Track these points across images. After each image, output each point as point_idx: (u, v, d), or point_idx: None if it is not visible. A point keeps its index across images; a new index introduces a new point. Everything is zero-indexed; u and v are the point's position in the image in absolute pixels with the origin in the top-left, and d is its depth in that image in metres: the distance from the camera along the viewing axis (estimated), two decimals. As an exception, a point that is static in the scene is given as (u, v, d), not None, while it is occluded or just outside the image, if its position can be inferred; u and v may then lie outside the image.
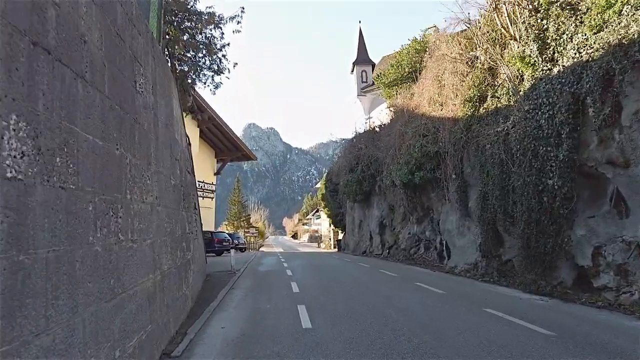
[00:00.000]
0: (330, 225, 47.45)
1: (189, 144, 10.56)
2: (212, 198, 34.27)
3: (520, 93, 10.07)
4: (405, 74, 22.10)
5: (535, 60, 9.37)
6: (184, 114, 9.39)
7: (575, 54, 8.29)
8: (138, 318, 4.02)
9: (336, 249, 34.47)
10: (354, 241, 26.58)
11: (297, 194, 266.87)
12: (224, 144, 33.89)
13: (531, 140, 9.04)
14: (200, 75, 8.52)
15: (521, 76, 10.29)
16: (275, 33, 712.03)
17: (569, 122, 8.16)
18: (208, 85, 8.81)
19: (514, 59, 10.02)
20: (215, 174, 35.12)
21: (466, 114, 12.19)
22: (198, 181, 32.35)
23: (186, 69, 8.18)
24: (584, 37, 8.16)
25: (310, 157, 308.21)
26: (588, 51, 7.94)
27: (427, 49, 20.73)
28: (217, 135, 33.17)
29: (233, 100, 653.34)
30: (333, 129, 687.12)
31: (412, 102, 17.01)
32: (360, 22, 34.20)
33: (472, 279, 11.50)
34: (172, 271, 5.89)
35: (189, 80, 8.38)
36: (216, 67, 8.51)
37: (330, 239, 37.48)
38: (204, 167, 34.13)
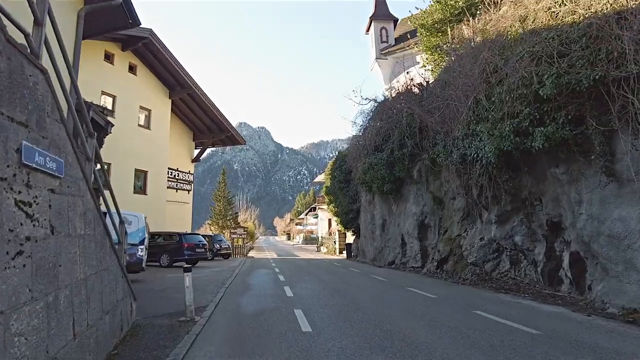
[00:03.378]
0: (330, 226, 40.73)
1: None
2: (188, 191, 27.25)
3: None
4: (457, 11, 15.57)
5: None
6: None
7: None
8: None
9: (344, 255, 27.74)
10: (375, 247, 19.89)
11: (288, 193, 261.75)
12: (205, 123, 26.91)
13: None
14: None
15: None
16: (271, 32, 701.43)
17: None
18: None
19: None
20: (193, 161, 28.14)
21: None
22: (170, 169, 25.35)
23: None
24: None
25: (302, 157, 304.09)
26: None
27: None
28: (195, 112, 26.13)
29: (224, 99, 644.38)
30: (329, 128, 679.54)
31: (498, 24, 10.43)
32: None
33: None
34: None
35: None
36: None
37: (334, 242, 30.74)
38: (179, 150, 27.04)
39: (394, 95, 16.68)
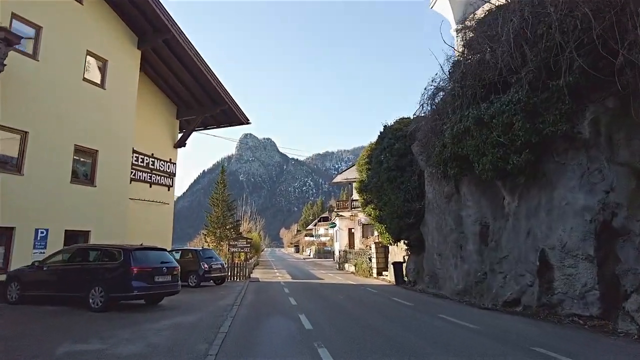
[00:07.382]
0: (352, 237, 32.68)
1: None
2: (169, 187, 19.44)
3: None
4: None
5: None
6: None
7: None
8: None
9: (387, 278, 19.62)
10: (464, 272, 11.81)
11: (293, 205, 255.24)
12: (192, 91, 19.06)
13: None
14: None
15: None
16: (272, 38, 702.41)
17: None
18: None
19: None
20: (176, 146, 20.38)
21: None
22: (140, 153, 17.43)
23: None
24: None
25: (307, 168, 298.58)
26: None
27: None
28: (178, 73, 18.33)
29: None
30: (335, 137, 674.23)
31: None
32: None
33: None
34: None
35: None
36: None
37: (370, 258, 22.62)
38: (155, 130, 19.02)
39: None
